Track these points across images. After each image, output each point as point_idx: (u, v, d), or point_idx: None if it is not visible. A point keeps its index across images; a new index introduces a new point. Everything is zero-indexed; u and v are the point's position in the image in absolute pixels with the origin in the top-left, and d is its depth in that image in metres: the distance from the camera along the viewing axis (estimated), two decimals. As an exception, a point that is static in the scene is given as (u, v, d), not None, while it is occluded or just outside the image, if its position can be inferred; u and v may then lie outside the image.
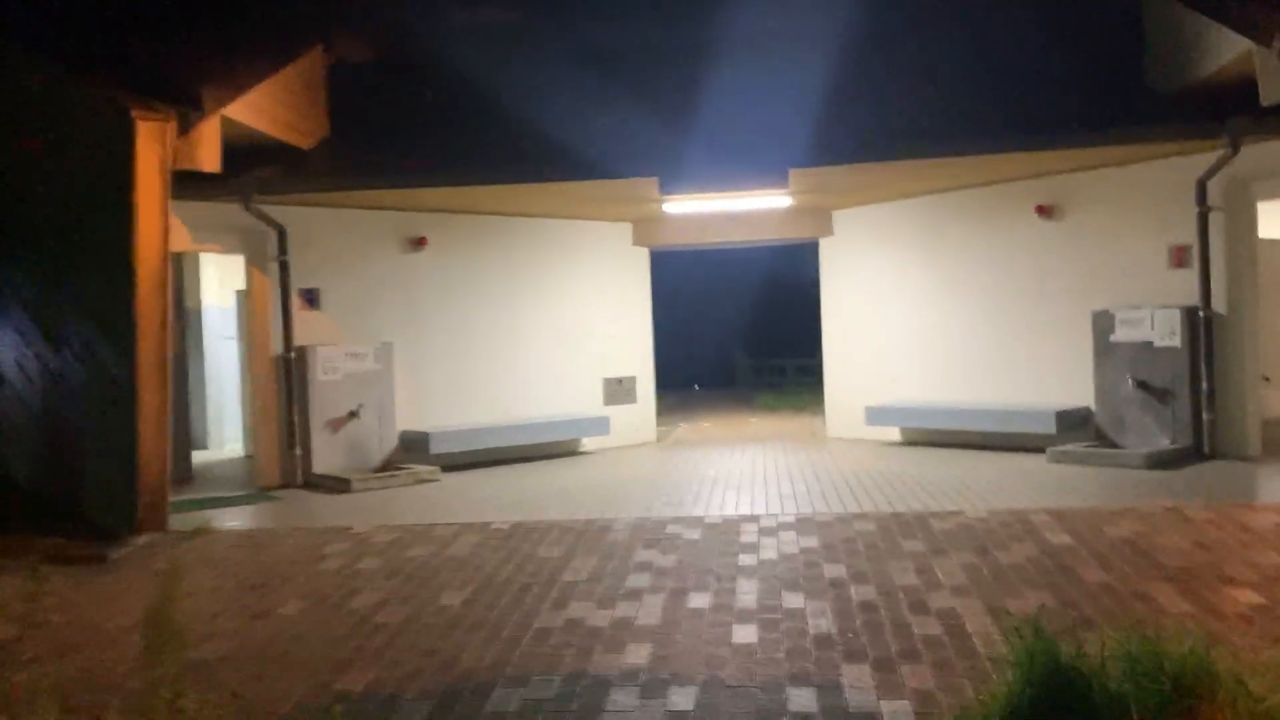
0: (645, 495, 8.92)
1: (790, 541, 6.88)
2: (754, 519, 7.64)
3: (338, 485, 9.91)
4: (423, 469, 10.35)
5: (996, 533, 6.87)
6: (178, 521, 8.01)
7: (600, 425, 12.04)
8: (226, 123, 8.72)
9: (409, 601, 5.92)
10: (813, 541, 6.85)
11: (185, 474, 10.98)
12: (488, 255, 11.80)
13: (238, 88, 8.44)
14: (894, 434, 12.13)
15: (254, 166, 9.68)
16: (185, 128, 7.97)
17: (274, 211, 10.15)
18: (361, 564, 6.81)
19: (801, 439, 12.93)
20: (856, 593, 5.71)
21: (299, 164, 9.91)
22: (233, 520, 8.51)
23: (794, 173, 9.35)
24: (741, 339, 24.42)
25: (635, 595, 5.85)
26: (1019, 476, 9.13)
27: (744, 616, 5.42)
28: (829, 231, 12.85)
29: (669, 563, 6.48)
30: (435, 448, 10.67)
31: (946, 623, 5.16)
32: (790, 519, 7.59)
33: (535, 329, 12.15)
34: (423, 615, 5.66)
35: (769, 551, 6.65)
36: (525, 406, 11.97)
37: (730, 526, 7.42)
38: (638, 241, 12.98)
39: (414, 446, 10.86)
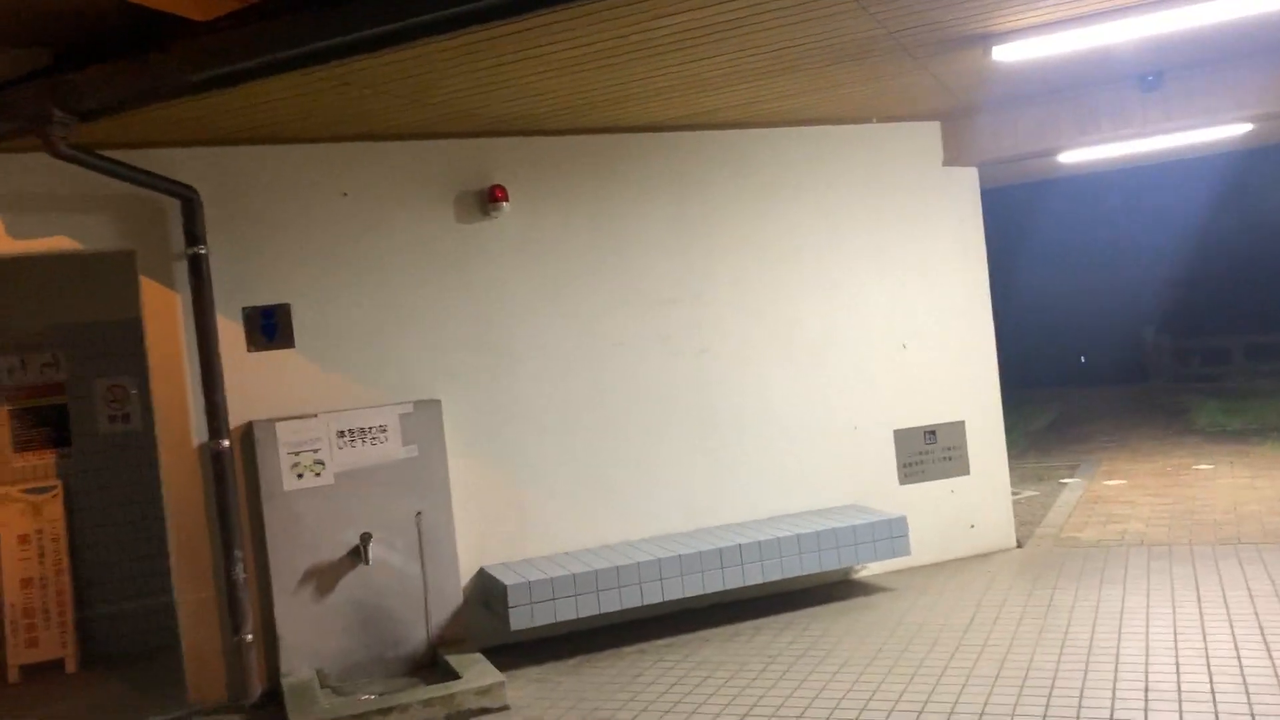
0: None
1: None
2: None
3: (283, 728, 4.66)
4: (475, 682, 4.80)
5: None
6: None
7: (889, 536, 5.86)
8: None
9: None
10: None
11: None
12: (637, 212, 6.03)
13: None
14: None
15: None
16: None
17: (171, 160, 5.07)
18: None
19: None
20: None
21: (169, 49, 4.69)
22: None
23: None
24: (1153, 306, 16.56)
25: None
26: None
27: None
28: (1397, 83, 5.77)
29: None
30: (520, 617, 5.12)
31: None
32: None
33: (745, 346, 6.21)
34: None
35: None
36: (731, 503, 6.10)
37: None
38: (952, 158, 6.63)
39: (492, 604, 5.40)
